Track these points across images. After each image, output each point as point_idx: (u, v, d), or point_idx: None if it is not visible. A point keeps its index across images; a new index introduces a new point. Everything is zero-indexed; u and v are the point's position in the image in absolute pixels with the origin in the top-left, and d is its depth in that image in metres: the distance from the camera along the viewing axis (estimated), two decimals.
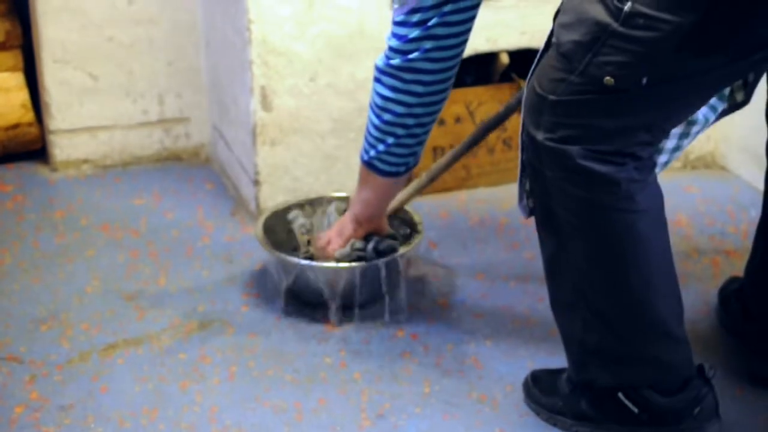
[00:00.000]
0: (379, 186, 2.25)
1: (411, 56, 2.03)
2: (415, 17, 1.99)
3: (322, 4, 2.59)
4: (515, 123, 2.86)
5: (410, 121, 2.12)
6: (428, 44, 2.01)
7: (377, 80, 2.12)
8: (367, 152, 2.20)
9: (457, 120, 2.82)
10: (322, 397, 2.12)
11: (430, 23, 1.98)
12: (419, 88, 2.07)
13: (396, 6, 2.02)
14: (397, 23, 2.03)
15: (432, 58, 2.03)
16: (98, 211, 2.78)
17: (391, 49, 2.06)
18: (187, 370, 2.19)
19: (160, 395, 2.11)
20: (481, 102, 2.82)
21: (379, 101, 2.13)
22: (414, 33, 2.01)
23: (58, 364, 2.20)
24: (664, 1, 1.67)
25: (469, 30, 2.03)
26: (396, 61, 2.05)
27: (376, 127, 2.15)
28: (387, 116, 2.13)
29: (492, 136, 2.86)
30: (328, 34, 2.62)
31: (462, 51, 2.06)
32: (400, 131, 2.14)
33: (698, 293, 2.42)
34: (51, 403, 2.09)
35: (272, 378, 2.17)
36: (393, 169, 2.21)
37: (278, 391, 2.13)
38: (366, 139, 2.20)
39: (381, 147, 2.17)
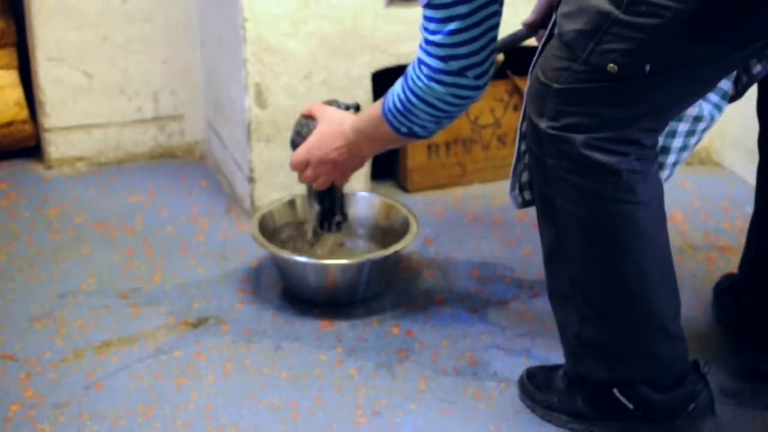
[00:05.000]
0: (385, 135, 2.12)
1: (451, 27, 1.88)
2: None
3: (316, 2, 2.58)
4: (510, 120, 2.88)
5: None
6: (463, 8, 1.87)
7: (434, 80, 1.94)
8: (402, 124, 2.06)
9: None
10: (317, 394, 2.12)
11: None
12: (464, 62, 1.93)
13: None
14: (428, 6, 1.89)
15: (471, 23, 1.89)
16: (93, 208, 2.78)
17: (426, 30, 1.92)
18: (183, 367, 2.19)
19: (155, 393, 2.11)
20: None
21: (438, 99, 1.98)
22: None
23: (53, 361, 2.20)
24: None
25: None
26: (438, 37, 1.89)
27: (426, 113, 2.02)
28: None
29: (487, 133, 2.86)
30: (323, 31, 2.62)
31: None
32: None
33: (693, 289, 2.42)
34: (46, 401, 2.09)
35: (268, 375, 2.17)
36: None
37: (274, 389, 2.13)
38: (402, 113, 2.04)
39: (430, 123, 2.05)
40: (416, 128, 2.04)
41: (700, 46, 1.72)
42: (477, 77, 1.93)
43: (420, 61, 1.95)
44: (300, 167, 2.25)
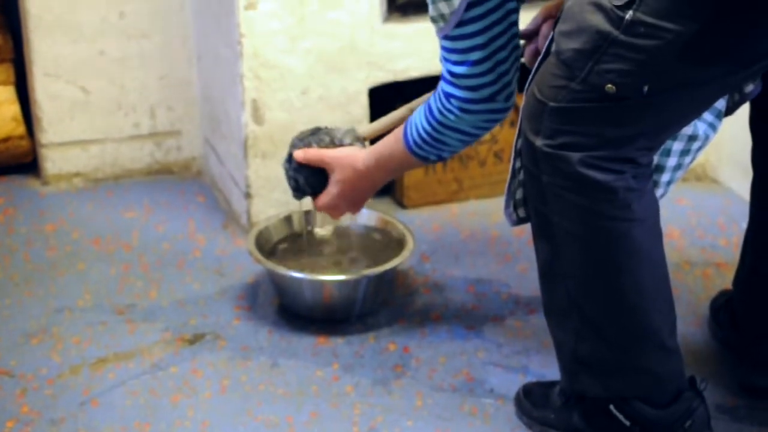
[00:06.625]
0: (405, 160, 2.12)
1: (474, 57, 1.89)
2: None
3: (313, 18, 2.59)
4: (507, 136, 2.88)
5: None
6: (481, 39, 1.88)
7: (465, 111, 1.96)
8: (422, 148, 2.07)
9: None
10: (314, 410, 2.12)
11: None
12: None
13: (441, 25, 1.89)
14: (446, 38, 1.89)
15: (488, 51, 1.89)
16: (89, 224, 2.78)
17: (448, 61, 1.92)
18: (179, 383, 2.18)
19: (151, 409, 2.11)
20: None
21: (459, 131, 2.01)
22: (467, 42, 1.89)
23: (49, 377, 2.19)
24: (665, 9, 1.68)
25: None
26: (463, 69, 1.90)
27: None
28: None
29: (483, 149, 2.86)
30: (320, 47, 2.62)
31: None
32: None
33: (690, 305, 2.42)
34: (42, 417, 2.08)
35: (264, 392, 2.17)
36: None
37: (270, 405, 2.13)
38: (422, 137, 2.04)
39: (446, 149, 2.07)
40: (445, 154, 2.07)
41: (699, 68, 1.72)
42: (506, 99, 1.95)
43: (447, 94, 1.95)
44: (328, 210, 2.27)
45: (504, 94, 1.94)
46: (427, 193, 2.86)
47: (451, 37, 1.88)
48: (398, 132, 2.10)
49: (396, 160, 2.12)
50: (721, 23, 1.67)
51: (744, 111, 2.11)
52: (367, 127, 2.29)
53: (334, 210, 2.26)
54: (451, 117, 1.97)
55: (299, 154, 2.23)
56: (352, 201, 2.24)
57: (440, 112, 1.97)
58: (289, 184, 2.29)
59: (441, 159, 2.09)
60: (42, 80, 2.90)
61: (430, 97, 2.03)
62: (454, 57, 1.90)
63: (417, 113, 2.05)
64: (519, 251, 2.65)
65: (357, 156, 2.18)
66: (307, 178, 2.24)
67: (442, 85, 1.97)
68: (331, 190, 2.22)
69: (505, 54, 1.91)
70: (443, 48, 1.92)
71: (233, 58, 2.62)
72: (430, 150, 2.05)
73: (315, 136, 2.25)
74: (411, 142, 2.06)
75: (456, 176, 2.87)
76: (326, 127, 2.27)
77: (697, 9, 1.67)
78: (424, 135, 2.03)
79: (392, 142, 2.11)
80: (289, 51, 2.60)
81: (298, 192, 2.28)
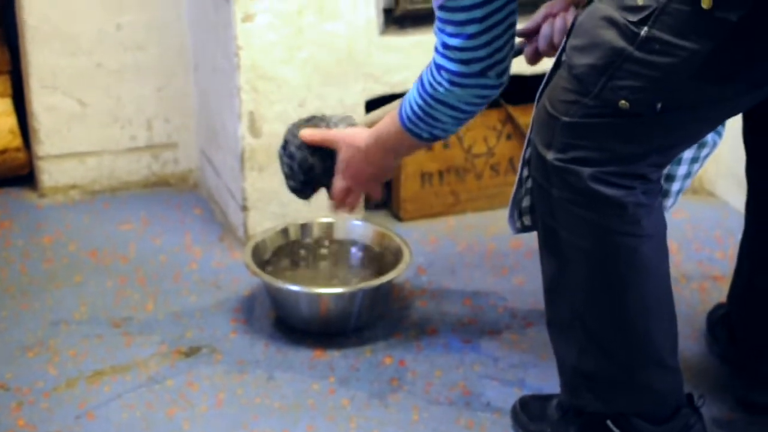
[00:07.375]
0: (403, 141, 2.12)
1: (470, 30, 1.87)
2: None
3: (310, 30, 2.59)
4: (503, 149, 2.88)
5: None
6: (479, 12, 1.86)
7: (456, 84, 1.94)
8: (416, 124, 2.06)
9: (445, 145, 2.82)
10: (310, 423, 2.11)
11: None
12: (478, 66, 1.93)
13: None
14: (442, 8, 1.87)
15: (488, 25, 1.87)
16: (86, 236, 2.78)
17: (443, 32, 1.90)
18: (175, 397, 2.18)
19: (147, 422, 2.11)
20: (469, 127, 2.82)
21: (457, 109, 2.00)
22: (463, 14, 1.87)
23: (45, 390, 2.19)
24: (681, 27, 1.67)
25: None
26: (457, 41, 1.88)
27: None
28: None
29: (480, 162, 2.86)
30: (317, 59, 2.62)
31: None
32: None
33: (686, 319, 2.41)
34: (38, 430, 2.08)
35: (260, 405, 2.16)
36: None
37: (266, 419, 2.13)
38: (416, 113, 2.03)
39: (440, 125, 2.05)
40: (437, 132, 2.04)
41: (713, 87, 1.71)
42: (499, 75, 1.93)
43: (439, 66, 1.93)
44: (343, 195, 2.24)
45: (496, 70, 1.91)
46: (424, 205, 2.86)
47: (448, 8, 1.85)
48: (395, 111, 2.09)
49: (393, 139, 2.10)
50: (736, 43, 1.66)
51: (739, 125, 2.11)
52: (364, 118, 2.29)
53: (347, 195, 2.24)
54: (441, 90, 1.94)
55: (305, 133, 2.21)
56: (360, 182, 2.21)
57: (431, 84, 1.96)
58: (283, 170, 2.27)
59: (435, 138, 2.06)
60: (39, 92, 2.90)
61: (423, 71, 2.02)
62: (450, 29, 1.88)
63: (411, 89, 2.04)
64: (516, 264, 2.65)
65: (360, 135, 2.17)
66: (307, 158, 2.21)
67: (434, 57, 1.95)
68: (339, 168, 2.20)
69: (501, 29, 1.88)
70: (439, 19, 1.89)
71: (230, 70, 2.62)
72: (423, 127, 2.03)
73: (311, 122, 2.25)
74: (405, 118, 2.04)
75: (452, 189, 2.87)
76: (322, 114, 2.27)
77: (713, 28, 1.66)
78: (416, 109, 2.01)
79: (389, 122, 2.10)
80: (286, 62, 2.60)
81: (292, 180, 2.25)
